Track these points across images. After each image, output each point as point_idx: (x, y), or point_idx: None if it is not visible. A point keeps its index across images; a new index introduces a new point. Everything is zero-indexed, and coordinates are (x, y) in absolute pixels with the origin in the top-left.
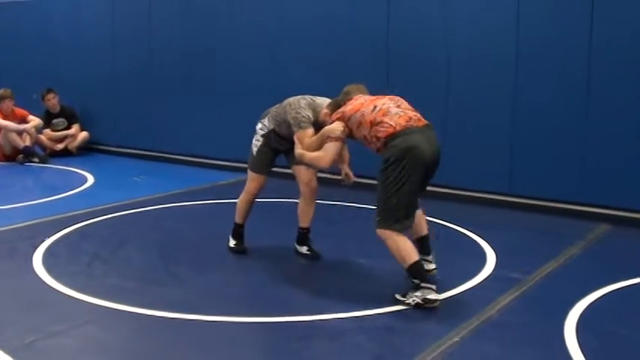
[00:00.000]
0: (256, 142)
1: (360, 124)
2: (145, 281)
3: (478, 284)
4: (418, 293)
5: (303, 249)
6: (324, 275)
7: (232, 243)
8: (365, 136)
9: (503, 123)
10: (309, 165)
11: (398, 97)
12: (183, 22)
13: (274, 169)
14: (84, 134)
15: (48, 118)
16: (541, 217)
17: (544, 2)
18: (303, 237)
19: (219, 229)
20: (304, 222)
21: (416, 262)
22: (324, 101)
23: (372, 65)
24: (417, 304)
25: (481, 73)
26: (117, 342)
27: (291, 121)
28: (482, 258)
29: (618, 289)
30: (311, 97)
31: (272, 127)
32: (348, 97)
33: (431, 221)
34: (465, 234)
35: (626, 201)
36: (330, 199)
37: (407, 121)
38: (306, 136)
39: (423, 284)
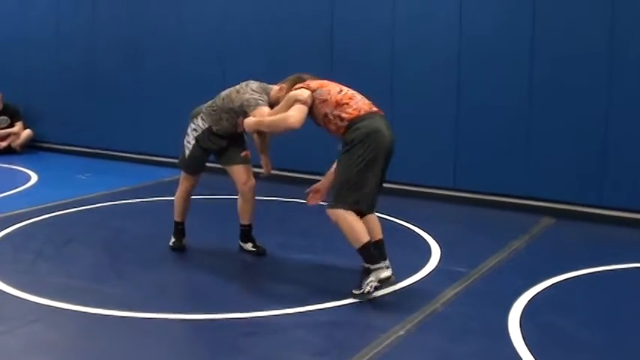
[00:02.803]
0: (187, 144)
1: (325, 100)
2: (90, 279)
3: (423, 278)
4: (372, 277)
5: (248, 245)
6: (269, 271)
7: (171, 241)
8: (326, 114)
9: (447, 118)
10: (269, 130)
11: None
12: (128, 18)
13: (209, 164)
14: (27, 132)
15: None
16: (485, 211)
17: None
18: (246, 233)
19: (163, 226)
20: (245, 219)
21: (368, 243)
22: (270, 86)
23: (316, 59)
24: (375, 287)
25: (425, 67)
26: (62, 341)
27: (245, 104)
28: (427, 252)
29: (561, 281)
30: (257, 81)
31: (207, 125)
32: (303, 80)
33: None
34: (409, 228)
35: (569, 194)
36: (275, 195)
37: (370, 108)
38: (264, 113)
39: (373, 266)
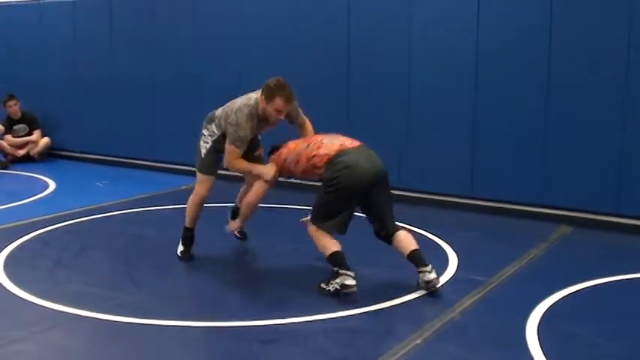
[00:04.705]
0: (204, 144)
1: (297, 162)
2: (108, 286)
3: (440, 286)
4: (337, 280)
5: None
6: (284, 279)
7: (180, 250)
8: (304, 170)
9: (464, 126)
10: (248, 174)
11: (332, 134)
12: (145, 27)
13: (220, 171)
14: (45, 140)
15: (9, 125)
16: (502, 220)
17: (504, 5)
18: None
19: (180, 233)
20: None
21: (335, 252)
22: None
23: (332, 67)
24: (336, 289)
25: (442, 74)
26: (79, 348)
27: (229, 130)
28: (444, 260)
29: (579, 290)
30: (255, 98)
31: (220, 132)
32: (274, 93)
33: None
34: (427, 237)
35: (587, 203)
36: (287, 203)
37: (340, 146)
38: (235, 154)
39: (341, 271)
